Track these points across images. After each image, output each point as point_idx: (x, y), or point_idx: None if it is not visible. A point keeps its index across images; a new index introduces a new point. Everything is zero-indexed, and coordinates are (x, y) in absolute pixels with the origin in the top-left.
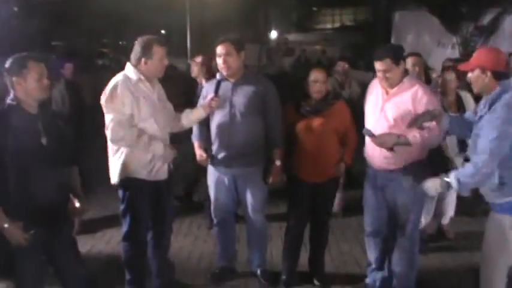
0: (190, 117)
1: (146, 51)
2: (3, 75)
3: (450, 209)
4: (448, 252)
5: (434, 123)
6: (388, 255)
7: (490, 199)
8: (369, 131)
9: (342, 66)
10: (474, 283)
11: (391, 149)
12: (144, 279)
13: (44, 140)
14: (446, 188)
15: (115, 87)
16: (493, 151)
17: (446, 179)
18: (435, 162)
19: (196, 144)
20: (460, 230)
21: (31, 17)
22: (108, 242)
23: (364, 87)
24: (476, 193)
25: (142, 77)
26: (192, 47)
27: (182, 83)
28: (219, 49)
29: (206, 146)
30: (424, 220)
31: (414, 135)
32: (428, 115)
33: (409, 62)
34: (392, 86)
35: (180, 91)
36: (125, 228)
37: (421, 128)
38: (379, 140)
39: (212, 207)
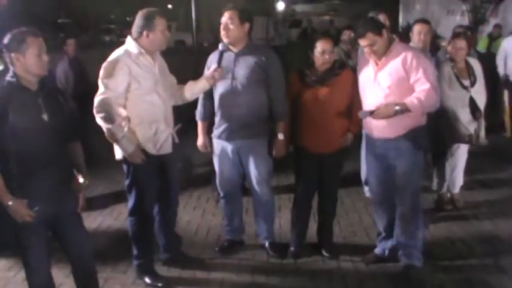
0: (194, 89)
1: (148, 23)
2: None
3: (460, 178)
4: (457, 221)
5: (428, 85)
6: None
7: None
8: (366, 112)
9: (348, 35)
10: (484, 252)
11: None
12: (152, 254)
13: (45, 116)
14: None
15: (113, 62)
16: None
17: None
18: (441, 131)
19: (199, 125)
20: (469, 199)
21: None
22: (117, 218)
23: None
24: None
25: (143, 51)
26: (199, 21)
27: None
28: (223, 16)
29: (211, 121)
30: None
31: (411, 100)
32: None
33: (415, 29)
34: (381, 57)
35: (189, 65)
36: (130, 203)
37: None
38: (379, 115)
39: (217, 181)
